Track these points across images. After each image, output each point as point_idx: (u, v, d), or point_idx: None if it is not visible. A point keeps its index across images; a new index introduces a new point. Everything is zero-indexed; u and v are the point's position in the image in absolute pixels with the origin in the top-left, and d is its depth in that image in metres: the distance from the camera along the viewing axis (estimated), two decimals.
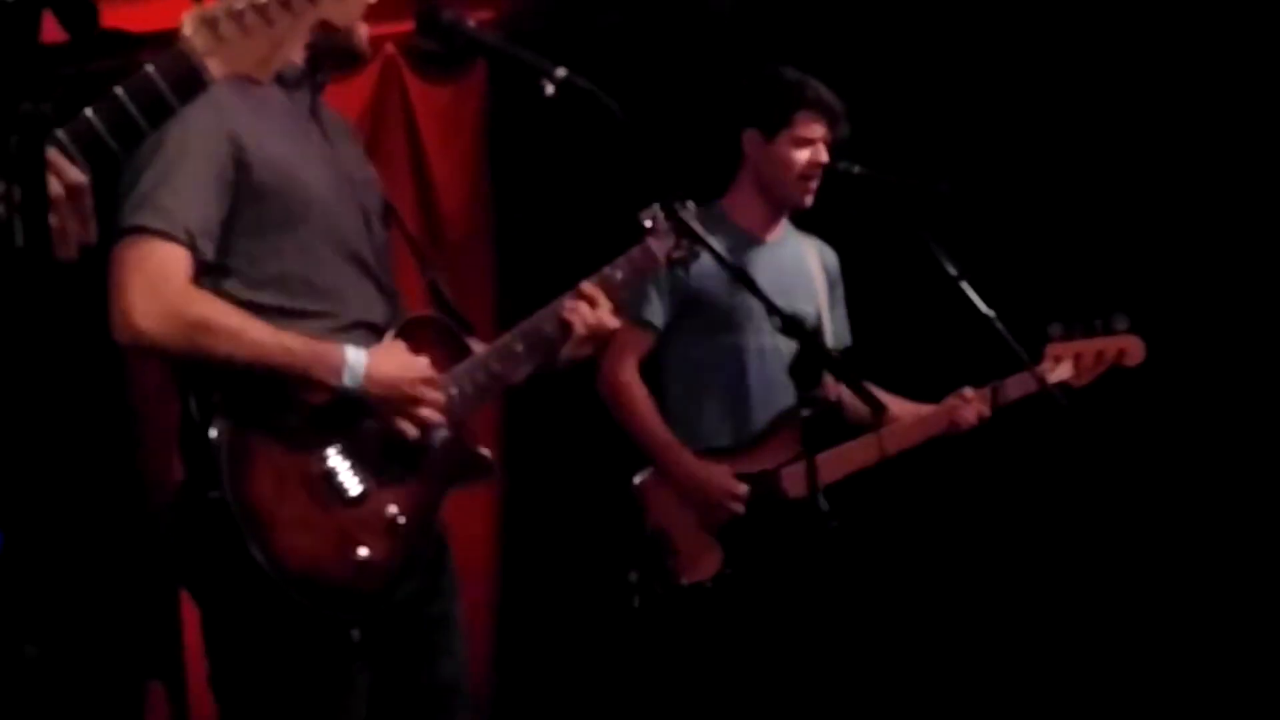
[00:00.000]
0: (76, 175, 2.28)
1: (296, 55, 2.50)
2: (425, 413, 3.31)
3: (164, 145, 3.18)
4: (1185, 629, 5.60)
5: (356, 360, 3.24)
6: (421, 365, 3.34)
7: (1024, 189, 5.75)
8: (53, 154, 2.25)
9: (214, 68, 2.32)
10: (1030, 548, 5.72)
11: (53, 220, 2.23)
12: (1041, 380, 4.68)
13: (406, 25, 3.58)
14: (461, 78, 6.10)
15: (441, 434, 3.39)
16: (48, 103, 2.25)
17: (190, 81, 2.32)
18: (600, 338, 3.62)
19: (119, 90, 2.32)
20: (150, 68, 2.32)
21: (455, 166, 6.16)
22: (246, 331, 3.19)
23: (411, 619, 3.38)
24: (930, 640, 5.75)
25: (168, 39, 6.00)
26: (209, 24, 2.31)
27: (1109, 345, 4.83)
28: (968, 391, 4.78)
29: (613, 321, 3.61)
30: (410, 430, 3.30)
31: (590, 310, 3.56)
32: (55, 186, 2.25)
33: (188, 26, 2.31)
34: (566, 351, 3.60)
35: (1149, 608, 5.63)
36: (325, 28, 2.41)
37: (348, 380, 3.23)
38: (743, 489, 4.64)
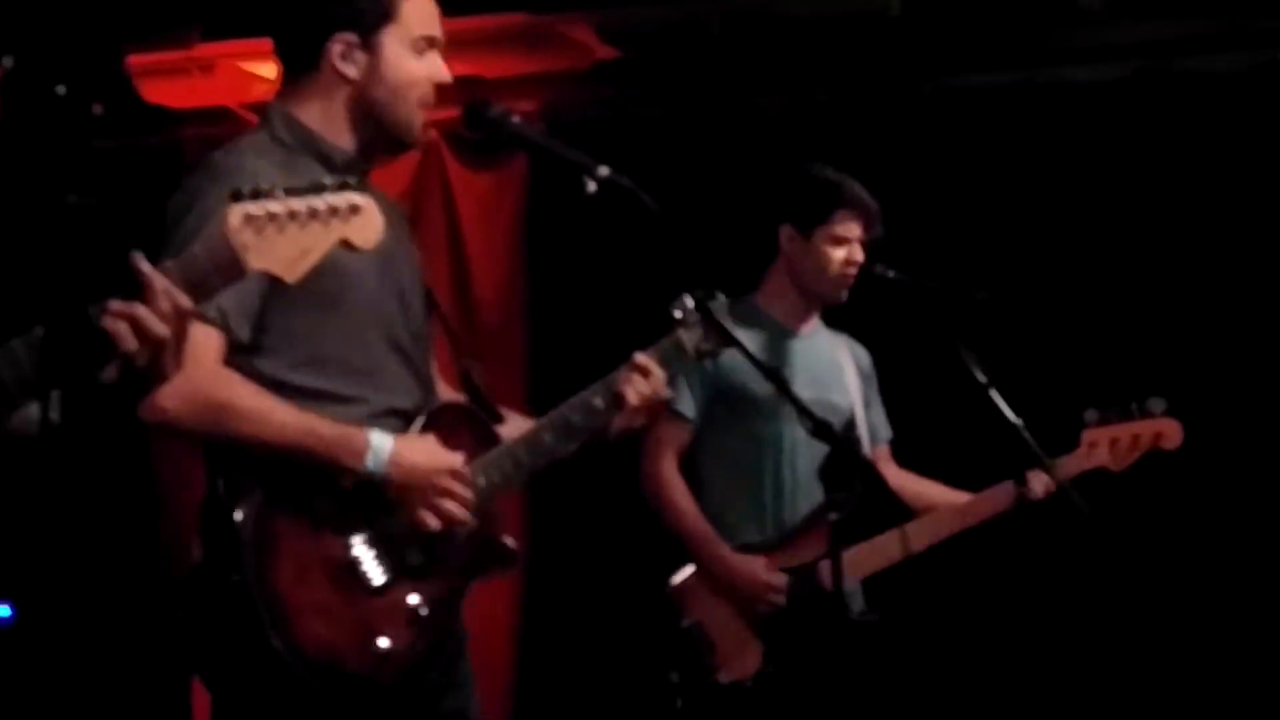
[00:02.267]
0: (186, 302, 2.50)
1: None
2: (450, 506, 3.28)
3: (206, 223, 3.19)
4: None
5: (381, 444, 3.22)
6: (452, 459, 3.31)
7: (1063, 278, 5.82)
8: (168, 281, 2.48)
9: (251, 260, 2.52)
10: (1070, 641, 5.73)
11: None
12: (1060, 485, 4.65)
13: (450, 111, 3.61)
14: (503, 166, 6.15)
15: (469, 524, 3.36)
16: (93, 196, 2.33)
17: (231, 268, 2.53)
18: (654, 408, 3.62)
19: (170, 264, 2.51)
20: (198, 249, 2.53)
21: (493, 253, 6.21)
22: (271, 414, 3.18)
23: (426, 712, 3.35)
24: None
25: (206, 116, 6.10)
26: (252, 221, 2.51)
27: (1145, 429, 4.79)
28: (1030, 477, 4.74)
29: (665, 391, 3.62)
30: (432, 523, 3.26)
31: (643, 380, 3.56)
32: (165, 305, 2.47)
33: (234, 219, 2.50)
34: (619, 423, 3.59)
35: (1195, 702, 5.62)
36: (346, 244, 2.59)
37: (370, 463, 3.21)
38: (783, 580, 4.62)
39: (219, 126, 5.92)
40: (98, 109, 4.74)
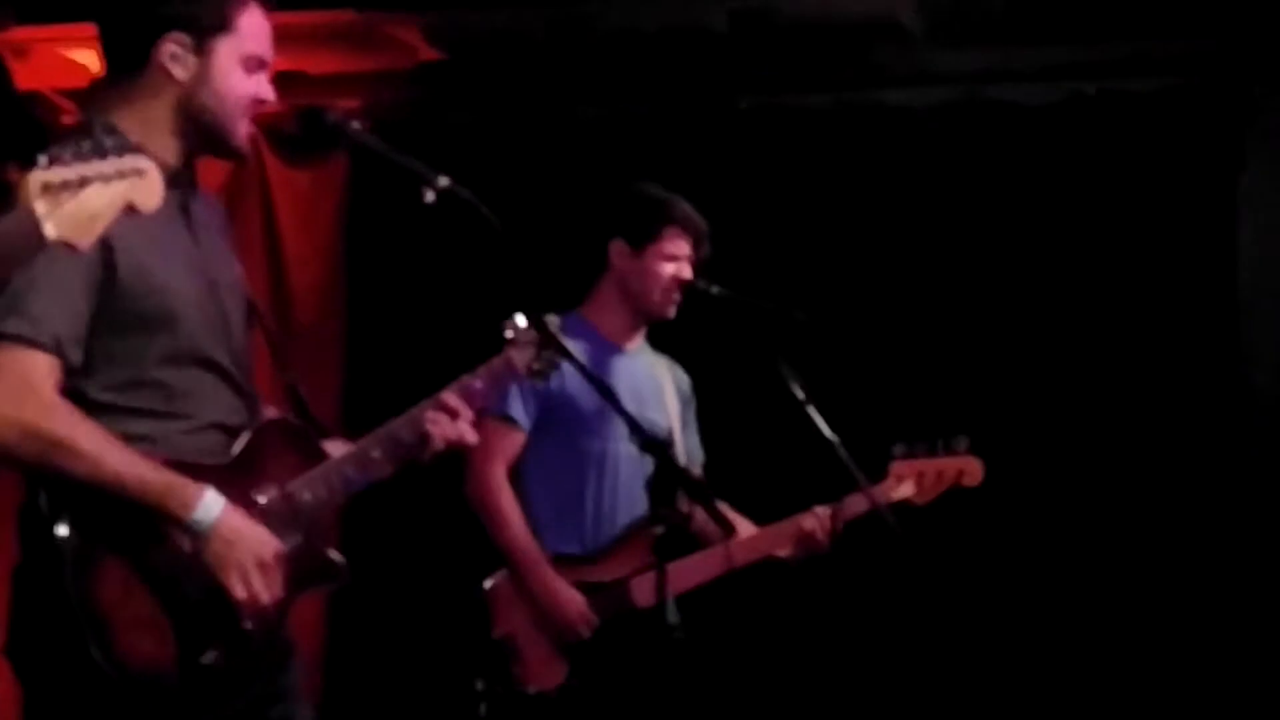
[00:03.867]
0: None
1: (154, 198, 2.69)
2: (260, 584, 3.22)
3: None
4: None
5: (213, 502, 3.18)
6: (275, 541, 3.27)
7: (874, 299, 5.95)
8: None
9: (49, 229, 2.54)
10: (875, 654, 5.86)
11: None
12: (875, 503, 4.75)
13: (270, 107, 3.58)
14: (322, 164, 6.11)
15: (294, 539, 3.33)
16: None
17: (32, 238, 2.55)
18: (457, 449, 3.59)
19: None
20: (7, 220, 2.55)
21: (310, 251, 6.16)
22: (106, 457, 3.13)
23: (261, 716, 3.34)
24: None
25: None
26: (50, 190, 2.53)
27: (949, 465, 4.92)
28: (819, 509, 4.83)
29: (472, 436, 3.58)
30: (240, 592, 3.21)
31: (450, 423, 3.53)
32: None
33: (34, 186, 2.51)
34: (424, 458, 3.56)
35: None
36: (130, 208, 2.63)
37: (198, 516, 3.17)
38: (594, 619, 4.66)
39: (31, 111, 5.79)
40: None
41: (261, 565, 3.22)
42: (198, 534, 3.17)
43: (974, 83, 5.90)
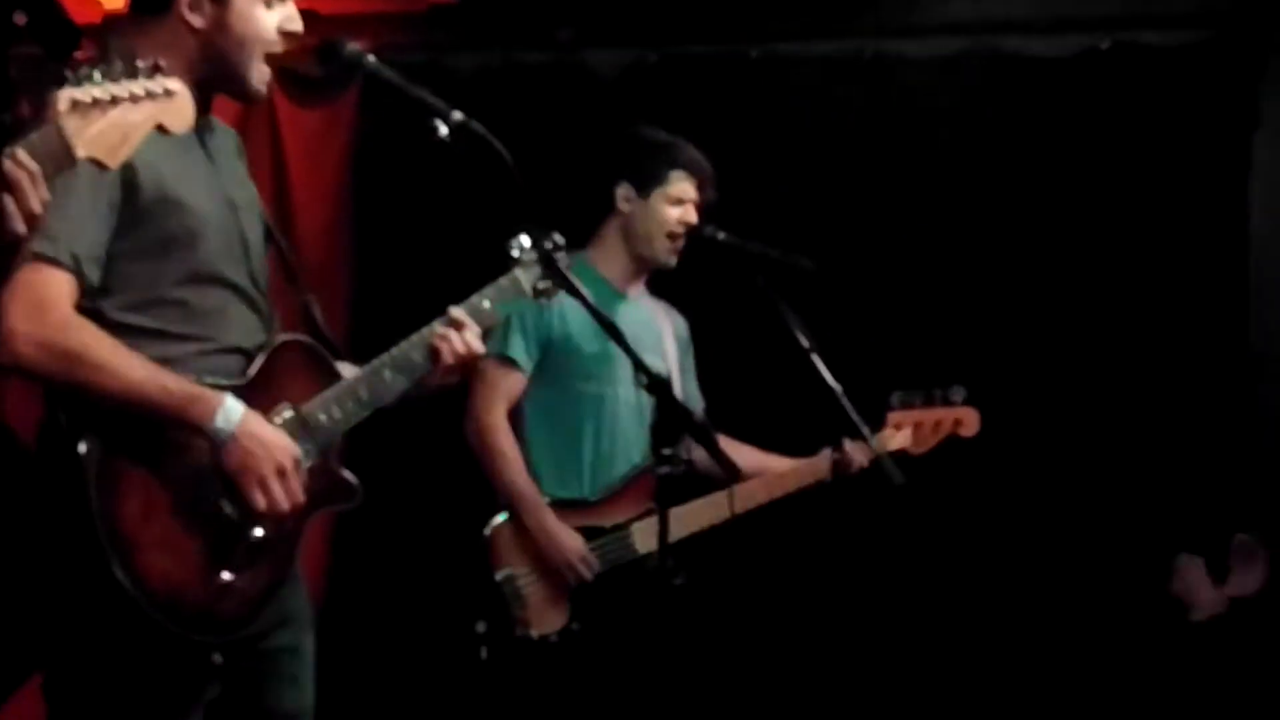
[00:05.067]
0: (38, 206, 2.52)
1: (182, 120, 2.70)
2: (280, 492, 3.27)
3: None
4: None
5: (233, 408, 3.23)
6: (295, 447, 3.31)
7: (884, 265, 5.92)
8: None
9: (79, 148, 2.55)
10: (870, 604, 5.87)
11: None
12: (877, 455, 4.78)
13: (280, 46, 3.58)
14: (332, 104, 6.09)
15: (310, 459, 3.37)
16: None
17: (61, 157, 2.55)
18: (468, 365, 3.63)
19: (15, 150, 2.54)
20: (34, 137, 2.54)
21: (318, 191, 6.13)
22: (126, 368, 3.16)
23: (257, 646, 3.38)
24: (776, 699, 5.82)
25: None
26: (78, 107, 2.53)
27: (946, 416, 5.01)
28: (823, 458, 4.88)
29: (480, 346, 3.60)
30: (260, 502, 3.25)
31: (458, 337, 3.55)
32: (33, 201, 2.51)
33: (63, 104, 2.50)
34: (434, 379, 3.59)
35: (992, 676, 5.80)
36: (161, 128, 2.65)
37: (220, 423, 3.21)
38: (594, 560, 4.69)
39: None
40: (20, 19, 4.74)
41: (281, 473, 3.26)
42: (219, 442, 3.21)
43: (984, 34, 5.87)
